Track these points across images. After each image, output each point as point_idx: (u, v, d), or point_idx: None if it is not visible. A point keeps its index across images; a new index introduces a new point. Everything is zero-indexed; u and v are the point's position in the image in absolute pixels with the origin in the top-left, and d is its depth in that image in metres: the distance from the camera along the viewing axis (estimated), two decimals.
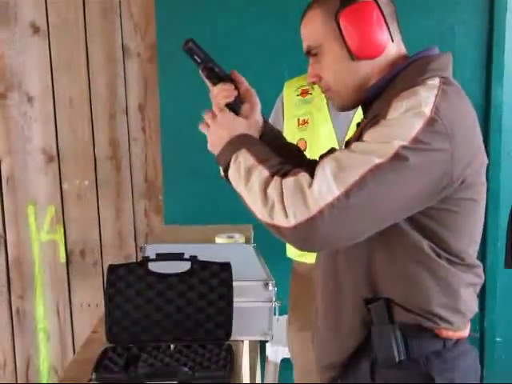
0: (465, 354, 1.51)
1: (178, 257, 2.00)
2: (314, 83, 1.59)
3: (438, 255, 1.42)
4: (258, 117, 1.64)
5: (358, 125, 1.64)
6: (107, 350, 1.90)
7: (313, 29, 1.51)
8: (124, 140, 3.50)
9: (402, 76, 1.46)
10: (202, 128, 1.62)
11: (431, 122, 1.31)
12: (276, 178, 1.34)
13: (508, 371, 3.54)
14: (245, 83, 1.63)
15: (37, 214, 3.56)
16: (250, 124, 1.59)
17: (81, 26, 3.40)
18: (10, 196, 3.54)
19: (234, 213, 3.19)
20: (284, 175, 1.34)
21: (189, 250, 2.06)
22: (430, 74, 1.41)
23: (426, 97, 1.34)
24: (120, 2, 3.39)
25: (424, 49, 1.52)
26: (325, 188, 1.27)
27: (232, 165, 1.46)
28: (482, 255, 3.38)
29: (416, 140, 1.29)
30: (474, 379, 1.54)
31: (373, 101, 1.51)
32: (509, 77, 3.32)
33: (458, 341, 1.49)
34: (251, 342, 2.72)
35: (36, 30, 3.41)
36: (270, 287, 2.05)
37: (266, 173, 1.36)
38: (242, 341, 2.06)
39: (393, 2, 1.55)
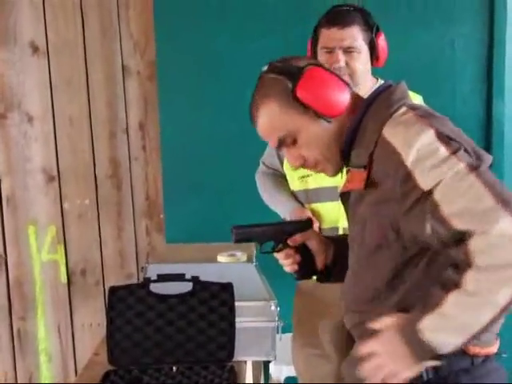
0: (493, 372, 1.50)
1: (180, 278, 1.98)
2: (301, 166, 1.60)
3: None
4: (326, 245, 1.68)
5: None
6: (109, 373, 1.89)
7: (276, 122, 1.54)
8: (124, 159, 3.49)
9: (368, 117, 1.52)
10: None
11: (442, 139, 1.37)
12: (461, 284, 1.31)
13: None
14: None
15: (37, 234, 3.54)
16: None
17: (80, 45, 3.40)
18: (10, 216, 3.52)
19: None
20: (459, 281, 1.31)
21: (190, 269, 2.06)
22: (396, 105, 1.48)
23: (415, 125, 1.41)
24: (119, 21, 3.39)
25: (379, 86, 1.57)
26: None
27: (432, 342, 1.36)
28: None
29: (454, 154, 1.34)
30: None
31: (349, 150, 1.54)
32: (510, 90, 3.32)
33: (485, 358, 1.48)
34: (255, 362, 2.70)
35: (35, 49, 3.40)
36: (273, 307, 2.04)
37: (451, 295, 1.32)
38: (245, 361, 2.04)
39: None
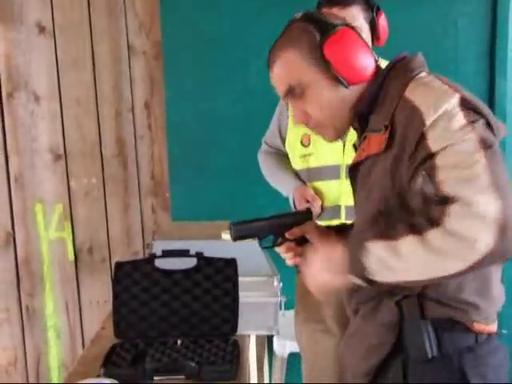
0: (496, 351, 1.52)
1: (184, 253, 2.03)
2: (303, 123, 1.59)
3: None
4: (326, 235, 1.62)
5: (354, 146, 1.67)
6: (115, 346, 1.93)
7: (292, 69, 1.51)
8: (130, 138, 3.53)
9: (389, 82, 1.50)
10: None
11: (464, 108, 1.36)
12: (424, 233, 1.30)
13: None
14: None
15: (45, 212, 3.59)
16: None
17: (86, 26, 3.43)
18: (18, 194, 3.57)
19: (240, 208, 3.26)
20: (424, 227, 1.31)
21: (195, 246, 2.10)
22: (417, 70, 1.47)
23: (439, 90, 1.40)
24: (124, 1, 3.42)
25: (395, 57, 1.55)
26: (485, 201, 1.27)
27: (369, 264, 1.37)
28: None
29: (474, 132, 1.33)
30: (505, 375, 1.54)
31: (367, 115, 1.52)
32: None
33: (489, 336, 1.50)
34: (258, 337, 2.74)
35: (42, 29, 3.43)
36: (275, 282, 2.08)
37: (410, 238, 1.31)
38: (249, 335, 2.09)
39: None
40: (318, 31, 1.49)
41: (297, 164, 2.57)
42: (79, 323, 3.65)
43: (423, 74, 1.47)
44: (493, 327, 1.52)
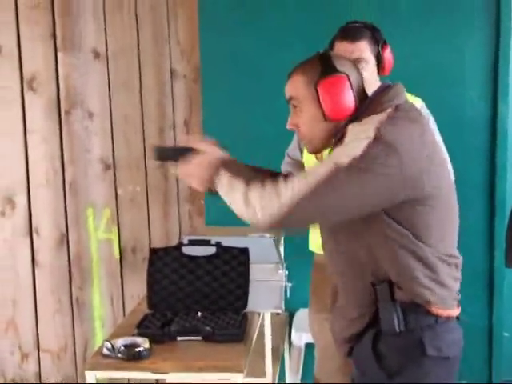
0: (453, 331, 1.88)
1: (206, 242, 2.45)
2: (292, 129, 1.97)
3: (419, 240, 1.80)
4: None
5: None
6: (147, 315, 2.36)
7: (296, 88, 1.87)
8: None
9: (362, 114, 1.83)
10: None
11: (375, 141, 1.68)
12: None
13: None
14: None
15: (95, 215, 4.00)
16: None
17: (135, 52, 3.86)
18: (71, 200, 3.99)
19: None
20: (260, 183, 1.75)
21: (218, 239, 2.50)
22: (381, 107, 1.80)
23: (371, 124, 1.75)
24: (169, 31, 3.84)
25: (378, 88, 1.90)
26: (295, 189, 1.69)
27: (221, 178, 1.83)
28: (490, 255, 3.75)
29: (363, 156, 1.66)
30: (457, 349, 1.90)
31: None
32: None
33: (447, 319, 1.87)
34: (276, 327, 3.13)
35: (97, 55, 3.88)
36: (281, 270, 2.48)
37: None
38: (259, 313, 2.50)
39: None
40: (321, 70, 1.82)
41: None
42: (122, 315, 4.02)
43: (389, 110, 1.79)
44: (452, 312, 1.88)
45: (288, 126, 1.96)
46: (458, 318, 1.94)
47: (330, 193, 1.67)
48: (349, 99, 1.82)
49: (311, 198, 1.66)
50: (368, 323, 1.89)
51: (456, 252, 1.93)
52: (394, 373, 1.82)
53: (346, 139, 1.76)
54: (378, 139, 1.68)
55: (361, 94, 1.88)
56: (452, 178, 2.66)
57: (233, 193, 1.78)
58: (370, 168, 1.66)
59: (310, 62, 1.89)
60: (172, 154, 1.92)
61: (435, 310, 1.83)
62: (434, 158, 1.79)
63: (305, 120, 1.88)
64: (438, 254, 1.82)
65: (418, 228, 1.79)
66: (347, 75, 1.83)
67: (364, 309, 1.89)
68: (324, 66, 1.83)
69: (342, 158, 1.68)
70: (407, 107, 1.85)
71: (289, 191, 1.68)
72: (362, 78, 1.92)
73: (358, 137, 1.72)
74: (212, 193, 1.89)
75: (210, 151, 1.89)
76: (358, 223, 1.79)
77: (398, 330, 1.81)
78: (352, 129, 1.78)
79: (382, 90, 1.87)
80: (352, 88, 1.83)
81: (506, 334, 3.85)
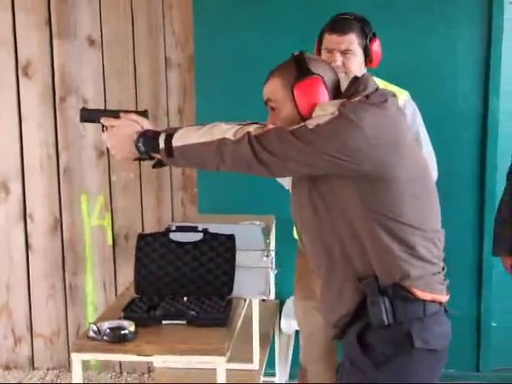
0: (441, 323, 1.92)
1: (193, 229, 2.49)
2: None
3: (393, 220, 1.84)
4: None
5: None
6: (134, 299, 2.41)
7: (273, 90, 1.95)
8: None
9: None
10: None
11: (338, 117, 1.78)
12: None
13: (503, 354, 3.90)
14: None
15: (88, 201, 4.05)
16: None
17: (130, 40, 3.90)
18: (66, 185, 4.05)
19: (260, 204, 3.68)
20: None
21: (208, 227, 2.54)
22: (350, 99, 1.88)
23: (337, 103, 1.84)
24: (163, 20, 3.88)
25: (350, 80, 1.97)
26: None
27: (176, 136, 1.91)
28: (480, 246, 3.79)
29: (326, 125, 1.77)
30: (445, 342, 1.94)
31: None
32: (504, 88, 3.69)
33: (435, 313, 1.89)
34: (264, 315, 3.18)
35: (91, 42, 3.92)
36: (267, 256, 2.52)
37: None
38: (245, 299, 2.54)
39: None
40: (297, 73, 1.90)
41: None
42: None
43: (355, 99, 1.86)
44: (437, 297, 1.90)
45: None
46: (446, 310, 1.98)
47: (293, 138, 1.78)
48: (323, 99, 1.89)
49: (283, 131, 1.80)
50: (354, 316, 1.92)
51: (434, 225, 1.95)
52: (380, 363, 1.86)
53: (314, 114, 1.84)
54: (340, 115, 1.77)
55: (336, 93, 1.94)
56: (435, 173, 2.71)
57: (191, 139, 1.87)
58: (331, 136, 1.76)
59: (285, 66, 1.96)
60: (95, 117, 2.05)
61: (418, 292, 1.85)
62: (398, 146, 1.83)
63: (281, 120, 1.94)
64: (411, 228, 1.86)
65: (389, 205, 1.83)
66: (321, 77, 1.90)
67: (349, 304, 1.92)
68: (299, 69, 1.90)
69: (310, 122, 1.79)
70: (376, 95, 1.89)
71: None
72: (337, 77, 1.98)
73: (325, 111, 1.80)
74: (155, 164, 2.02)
75: (129, 122, 2.00)
76: (336, 204, 1.85)
77: (386, 322, 1.84)
78: (319, 105, 1.85)
79: (350, 84, 1.94)
80: (327, 88, 1.90)
81: (493, 324, 3.89)
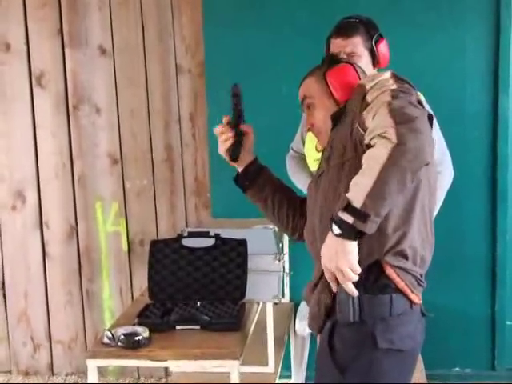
0: (407, 324, 1.90)
1: (205, 234, 2.52)
2: (309, 130, 2.13)
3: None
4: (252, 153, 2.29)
5: None
6: (149, 305, 2.44)
7: (308, 87, 2.08)
8: (177, 145, 4.01)
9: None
10: None
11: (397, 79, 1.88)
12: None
13: None
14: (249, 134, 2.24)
15: (103, 208, 4.09)
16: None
17: (140, 48, 3.94)
18: (80, 193, 4.09)
19: None
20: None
21: (222, 233, 2.56)
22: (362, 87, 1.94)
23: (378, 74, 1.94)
24: (173, 27, 3.91)
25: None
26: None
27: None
28: (493, 245, 3.79)
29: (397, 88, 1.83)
30: (412, 343, 1.93)
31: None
32: None
33: (402, 313, 1.87)
34: (283, 319, 3.19)
35: (103, 51, 3.96)
36: (279, 260, 2.54)
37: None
38: (258, 303, 2.57)
39: None
40: (328, 64, 2.07)
41: (312, 166, 3.01)
42: None
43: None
44: (414, 297, 1.89)
45: (306, 127, 2.14)
46: (423, 314, 1.99)
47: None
48: (354, 81, 2.00)
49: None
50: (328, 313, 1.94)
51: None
52: (345, 368, 1.87)
53: (369, 97, 1.85)
54: (396, 78, 1.89)
55: None
56: (451, 170, 2.73)
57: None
58: (408, 91, 1.84)
59: (316, 66, 2.11)
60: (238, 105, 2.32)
61: (392, 275, 1.85)
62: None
63: (320, 115, 2.03)
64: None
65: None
66: (352, 64, 2.08)
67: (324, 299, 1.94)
68: (329, 61, 2.09)
69: (384, 98, 1.79)
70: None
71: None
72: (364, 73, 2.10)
73: (383, 86, 1.86)
74: None
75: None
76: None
77: (352, 320, 1.86)
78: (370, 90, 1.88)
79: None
80: (357, 74, 2.04)
81: (508, 323, 3.88)
